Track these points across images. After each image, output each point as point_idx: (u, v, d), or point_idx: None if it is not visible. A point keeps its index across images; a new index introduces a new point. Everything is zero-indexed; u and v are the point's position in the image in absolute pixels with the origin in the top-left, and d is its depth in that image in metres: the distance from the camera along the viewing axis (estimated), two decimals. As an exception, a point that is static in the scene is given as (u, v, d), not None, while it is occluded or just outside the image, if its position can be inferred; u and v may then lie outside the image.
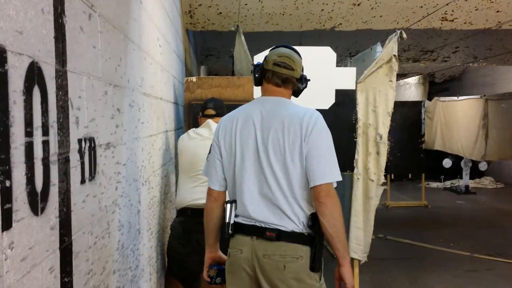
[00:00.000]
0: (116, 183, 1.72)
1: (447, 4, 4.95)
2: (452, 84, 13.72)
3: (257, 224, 1.99)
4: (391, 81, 3.79)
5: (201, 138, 3.00)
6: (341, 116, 3.99)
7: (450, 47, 8.61)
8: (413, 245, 6.01)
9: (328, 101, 3.87)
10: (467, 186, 10.19)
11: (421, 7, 5.03)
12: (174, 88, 3.70)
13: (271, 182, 1.98)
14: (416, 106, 8.53)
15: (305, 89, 2.19)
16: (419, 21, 5.40)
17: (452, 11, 5.17)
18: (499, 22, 5.45)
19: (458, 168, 10.45)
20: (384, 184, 4.04)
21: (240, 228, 2.03)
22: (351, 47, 4.99)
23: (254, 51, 3.90)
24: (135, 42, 2.13)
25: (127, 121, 1.89)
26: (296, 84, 2.11)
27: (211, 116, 3.15)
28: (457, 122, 9.76)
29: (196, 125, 3.33)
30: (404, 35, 3.63)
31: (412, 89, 9.42)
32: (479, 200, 9.58)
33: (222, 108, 3.18)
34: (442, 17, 5.34)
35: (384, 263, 5.31)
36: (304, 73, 2.16)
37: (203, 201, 2.29)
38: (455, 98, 10.05)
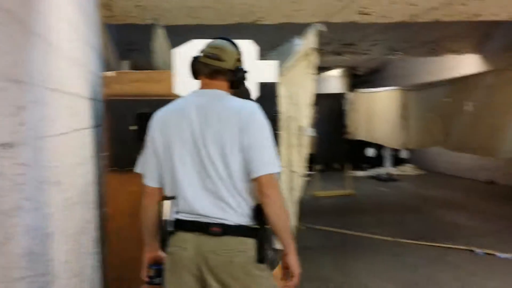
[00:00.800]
0: (19, 185, 1.62)
1: (365, -2, 5.11)
2: (374, 76, 14.23)
3: (201, 219, 1.96)
4: (311, 73, 3.84)
5: None
6: (264, 109, 3.99)
7: (369, 40, 8.90)
8: (340, 233, 6.18)
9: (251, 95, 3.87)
10: (389, 174, 10.62)
11: (340, 0, 5.15)
12: (91, 84, 3.55)
13: (213, 175, 1.96)
14: (339, 98, 8.79)
15: (244, 81, 2.17)
16: (337, 14, 5.52)
17: (369, 4, 5.33)
18: (413, 15, 5.67)
19: (381, 157, 10.89)
20: (307, 175, 4.10)
21: (182, 225, 1.99)
22: (274, 41, 5.02)
23: (176, 45, 3.81)
24: (40, 35, 2.01)
25: (30, 119, 1.78)
26: (229, 75, 2.08)
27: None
28: (378, 113, 10.12)
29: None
30: (323, 28, 3.70)
31: (335, 81, 9.65)
32: (401, 187, 10.01)
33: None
34: (360, 11, 5.49)
35: (311, 252, 5.41)
36: (241, 65, 2.14)
37: None
38: (375, 89, 10.42)
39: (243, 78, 2.16)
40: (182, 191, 1.99)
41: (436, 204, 8.04)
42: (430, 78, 9.84)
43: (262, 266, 1.98)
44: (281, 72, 3.87)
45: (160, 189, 2.10)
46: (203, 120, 1.99)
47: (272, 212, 1.94)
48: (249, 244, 1.96)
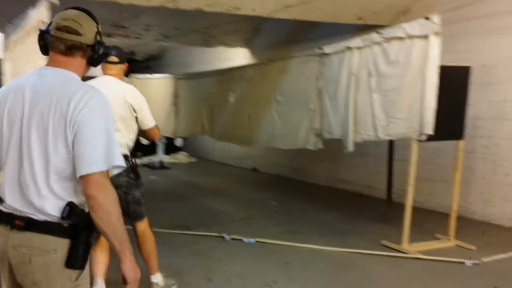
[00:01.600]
0: None
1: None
2: (153, 62, 14.03)
3: (13, 212, 1.75)
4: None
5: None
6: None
7: (141, 24, 8.63)
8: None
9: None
10: (161, 162, 10.57)
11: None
12: None
13: (26, 168, 1.73)
14: (108, 82, 8.31)
15: (103, 57, 1.91)
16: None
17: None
18: (175, 1, 5.57)
19: (155, 144, 10.76)
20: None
21: (1, 217, 1.78)
22: (10, 12, 4.38)
23: None
24: None
25: None
26: (86, 51, 1.83)
27: (114, 63, 3.58)
28: (152, 100, 9.89)
29: None
30: (55, 1, 3.28)
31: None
32: (172, 175, 10.04)
33: (123, 56, 3.71)
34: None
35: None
36: (101, 39, 1.89)
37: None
38: (150, 76, 10.23)
39: (105, 54, 1.91)
40: (3, 181, 1.81)
41: (202, 192, 8.21)
42: (206, 68, 10.04)
43: (71, 272, 1.73)
44: (7, 46, 3.36)
45: None
46: (34, 104, 1.74)
47: (99, 217, 1.67)
48: (58, 245, 1.71)
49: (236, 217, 6.27)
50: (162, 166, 10.53)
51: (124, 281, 1.78)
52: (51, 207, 1.72)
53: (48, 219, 1.72)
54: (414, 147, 4.73)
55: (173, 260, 4.54)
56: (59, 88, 1.75)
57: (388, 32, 4.96)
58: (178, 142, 11.41)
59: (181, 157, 12.06)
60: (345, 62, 5.39)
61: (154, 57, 13.78)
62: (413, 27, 4.70)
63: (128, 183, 3.51)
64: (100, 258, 3.53)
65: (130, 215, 3.52)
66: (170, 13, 8.26)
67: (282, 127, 6.44)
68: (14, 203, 1.76)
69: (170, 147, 11.59)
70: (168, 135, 9.70)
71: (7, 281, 1.80)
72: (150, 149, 11.10)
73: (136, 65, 14.14)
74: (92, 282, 3.42)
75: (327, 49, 5.66)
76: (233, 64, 9.54)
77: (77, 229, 1.73)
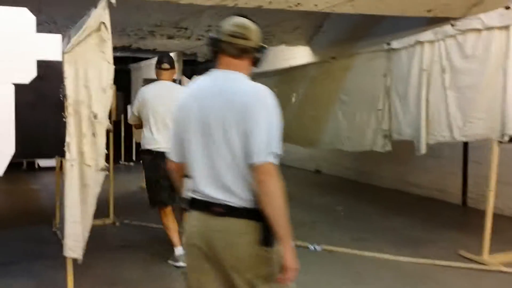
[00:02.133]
0: None
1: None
2: (215, 64, 13.99)
3: (207, 199, 1.99)
4: (103, 52, 3.33)
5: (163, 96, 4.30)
6: (46, 92, 3.39)
7: (203, 26, 8.59)
8: (157, 229, 5.76)
9: (27, 74, 3.21)
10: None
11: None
12: None
13: (217, 159, 1.97)
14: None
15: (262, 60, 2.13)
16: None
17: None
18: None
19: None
20: (105, 168, 3.58)
21: (194, 203, 2.06)
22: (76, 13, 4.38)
23: None
24: None
25: None
26: (254, 54, 2.07)
27: (166, 69, 4.44)
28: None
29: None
30: (113, 0, 3.20)
31: (168, 67, 9.21)
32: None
33: (173, 63, 4.60)
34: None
35: (119, 252, 4.94)
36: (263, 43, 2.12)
37: (163, 148, 4.02)
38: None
39: (264, 56, 2.13)
40: (193, 172, 2.05)
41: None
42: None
43: (266, 248, 1.94)
44: (67, 48, 3.30)
45: (183, 165, 2.13)
46: (212, 102, 2.00)
47: (265, 199, 1.88)
48: (252, 226, 1.93)
49: (299, 221, 6.01)
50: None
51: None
52: (245, 194, 1.94)
53: (243, 205, 1.94)
54: (495, 149, 4.32)
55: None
56: (234, 88, 2.00)
57: (464, 24, 4.58)
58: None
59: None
60: (416, 58, 5.04)
61: (216, 58, 13.75)
62: (491, 17, 4.32)
63: None
64: (174, 228, 4.44)
65: (175, 196, 4.07)
66: (230, 12, 8.18)
67: (347, 128, 6.16)
68: (208, 192, 1.98)
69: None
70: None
71: (200, 260, 2.03)
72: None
73: (198, 66, 14.21)
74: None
75: (395, 44, 5.33)
76: (294, 63, 9.30)
77: (256, 210, 1.92)
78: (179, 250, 4.34)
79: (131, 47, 11.30)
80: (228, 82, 2.02)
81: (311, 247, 4.90)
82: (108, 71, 3.37)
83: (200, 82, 2.12)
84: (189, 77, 11.25)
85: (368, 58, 5.82)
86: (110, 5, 3.21)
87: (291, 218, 2.21)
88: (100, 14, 3.20)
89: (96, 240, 3.94)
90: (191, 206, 2.08)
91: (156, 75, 4.48)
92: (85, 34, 3.26)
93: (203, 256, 2.02)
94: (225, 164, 1.95)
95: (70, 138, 3.39)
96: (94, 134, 3.48)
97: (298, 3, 5.68)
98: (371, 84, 5.72)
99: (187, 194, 2.11)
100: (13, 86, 3.15)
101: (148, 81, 8.10)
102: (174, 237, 4.43)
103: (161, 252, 4.97)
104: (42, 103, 3.35)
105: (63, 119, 3.36)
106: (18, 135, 3.16)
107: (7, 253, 4.88)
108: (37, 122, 3.37)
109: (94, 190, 3.57)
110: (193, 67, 13.84)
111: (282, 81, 7.70)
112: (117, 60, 10.14)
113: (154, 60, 10.16)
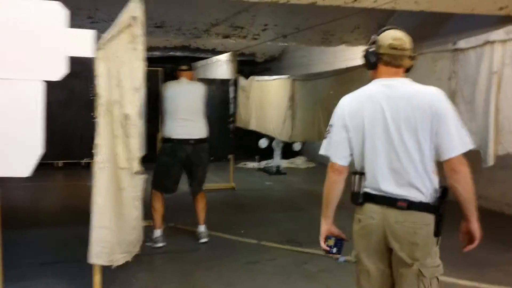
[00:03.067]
0: None
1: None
2: (273, 64, 13.78)
3: (389, 195, 2.25)
4: (135, 49, 3.13)
5: (185, 90, 5.07)
6: (77, 90, 3.26)
7: (259, 24, 8.34)
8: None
9: (58, 71, 3.06)
10: (278, 167, 10.20)
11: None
12: None
13: (403, 158, 2.22)
14: (224, 85, 8.09)
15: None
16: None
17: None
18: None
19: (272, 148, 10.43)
20: (140, 172, 3.38)
21: (371, 198, 2.30)
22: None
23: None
24: None
25: None
26: (410, 61, 2.31)
27: (184, 70, 5.14)
28: (269, 102, 9.64)
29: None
30: (148, -5, 3.00)
31: (223, 66, 9.03)
32: (288, 181, 9.62)
33: (191, 64, 5.47)
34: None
35: (158, 258, 4.76)
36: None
37: (183, 135, 4.92)
38: (268, 78, 9.92)
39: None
40: (371, 170, 2.29)
41: (318, 202, 7.60)
42: (327, 69, 9.47)
43: (436, 239, 2.27)
44: (99, 44, 3.13)
45: (348, 168, 2.38)
46: (395, 107, 2.23)
47: (462, 186, 2.20)
48: (430, 219, 2.23)
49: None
50: (278, 171, 10.16)
51: (462, 241, 2.42)
52: (428, 189, 2.23)
53: (423, 200, 2.22)
54: None
55: (277, 284, 4.09)
56: (412, 92, 2.25)
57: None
58: (296, 146, 10.93)
59: (299, 162, 11.60)
60: (485, 59, 4.54)
61: (274, 58, 13.52)
62: None
63: (207, 160, 5.20)
64: (161, 211, 5.02)
65: (199, 183, 5.17)
66: (287, 11, 7.89)
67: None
68: (390, 189, 2.24)
69: (288, 151, 11.18)
70: (283, 139, 9.31)
71: (377, 244, 2.30)
72: (267, 153, 10.80)
73: (256, 66, 14.02)
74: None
75: (462, 43, 4.84)
76: (354, 64, 8.86)
77: (439, 206, 2.24)
78: (158, 232, 5.00)
79: (190, 46, 11.27)
80: (404, 87, 2.28)
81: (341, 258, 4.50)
82: (140, 69, 3.17)
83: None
84: (246, 76, 11.10)
85: (431, 59, 5.34)
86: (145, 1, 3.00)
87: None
88: (133, 8, 3.00)
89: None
90: (367, 201, 2.31)
91: (177, 75, 5.15)
92: (117, 29, 3.08)
93: (379, 243, 2.29)
94: (412, 163, 2.21)
95: (101, 139, 3.21)
96: (127, 136, 3.29)
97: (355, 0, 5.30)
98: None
99: (361, 190, 2.33)
100: (43, 83, 3.04)
101: (201, 81, 8.00)
102: (158, 219, 5.01)
103: (203, 261, 4.78)
104: (72, 102, 3.21)
105: (94, 119, 3.19)
106: (47, 134, 3.03)
107: (51, 253, 4.85)
108: (67, 121, 3.23)
109: (131, 194, 3.38)
110: (250, 67, 13.66)
111: (339, 82, 7.30)
112: (176, 60, 10.28)
113: (210, 60, 10.16)
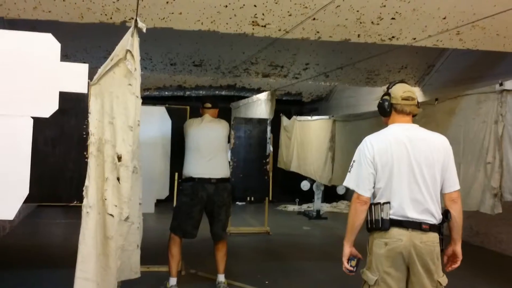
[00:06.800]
0: None
1: (254, 6, 4.23)
2: (320, 104, 13.44)
3: (413, 220, 2.68)
4: (130, 85, 2.89)
5: (207, 128, 4.83)
6: (68, 128, 3.04)
7: (300, 64, 8.08)
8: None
9: (48, 107, 2.86)
10: (318, 211, 9.71)
11: (226, 6, 4.26)
12: None
13: (423, 189, 2.70)
14: (261, 124, 7.82)
15: None
16: (226, 23, 4.62)
17: (263, 14, 4.46)
18: (318, 32, 4.82)
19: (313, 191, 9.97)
20: (128, 218, 3.09)
21: (397, 223, 2.69)
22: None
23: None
24: None
25: None
26: (417, 110, 2.86)
27: (208, 108, 4.95)
28: (310, 144, 9.27)
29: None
30: (141, 24, 2.77)
31: (262, 106, 8.79)
32: (328, 226, 9.10)
33: (216, 102, 5.07)
34: (253, 21, 4.61)
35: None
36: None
37: (205, 175, 4.60)
38: (310, 117, 9.59)
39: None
40: (397, 200, 2.71)
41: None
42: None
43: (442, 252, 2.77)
44: (94, 79, 2.92)
45: (370, 198, 2.76)
46: (417, 148, 2.73)
47: (458, 214, 2.77)
48: (438, 238, 2.72)
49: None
50: (318, 215, 9.66)
51: (446, 262, 2.92)
52: (438, 214, 2.74)
53: (436, 222, 2.72)
54: None
55: None
56: (427, 136, 2.79)
57: None
58: (340, 190, 10.42)
59: (343, 207, 11.04)
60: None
61: (321, 98, 13.20)
62: None
63: (230, 201, 4.85)
64: (178, 258, 4.77)
65: (222, 227, 4.81)
66: (327, 50, 7.62)
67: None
68: (412, 215, 2.69)
69: (332, 195, 10.68)
70: (324, 182, 8.86)
71: (402, 263, 2.70)
72: (309, 196, 10.35)
73: (304, 106, 13.74)
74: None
75: (509, 84, 4.34)
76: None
77: (441, 227, 2.75)
78: (173, 281, 4.73)
79: (236, 86, 11.14)
80: (418, 132, 2.81)
81: None
82: (135, 106, 2.92)
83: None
84: (289, 116, 10.81)
85: (476, 100, 4.86)
86: (139, 32, 2.78)
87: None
88: (128, 41, 2.78)
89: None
90: (393, 225, 2.69)
91: (201, 113, 4.99)
92: (112, 63, 2.86)
93: (403, 263, 2.69)
94: (428, 193, 2.70)
95: (90, 181, 2.96)
96: (118, 179, 3.02)
97: (393, 36, 4.93)
98: (480, 131, 4.73)
99: (386, 217, 2.70)
100: (31, 119, 2.85)
101: (238, 120, 7.77)
102: (174, 267, 4.74)
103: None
104: (62, 140, 2.99)
105: (85, 159, 2.96)
106: (34, 175, 2.82)
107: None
108: (56, 161, 3.02)
109: (117, 243, 3.09)
110: (296, 107, 13.39)
111: (379, 123, 6.85)
112: (223, 99, 10.21)
113: (251, 99, 9.97)
